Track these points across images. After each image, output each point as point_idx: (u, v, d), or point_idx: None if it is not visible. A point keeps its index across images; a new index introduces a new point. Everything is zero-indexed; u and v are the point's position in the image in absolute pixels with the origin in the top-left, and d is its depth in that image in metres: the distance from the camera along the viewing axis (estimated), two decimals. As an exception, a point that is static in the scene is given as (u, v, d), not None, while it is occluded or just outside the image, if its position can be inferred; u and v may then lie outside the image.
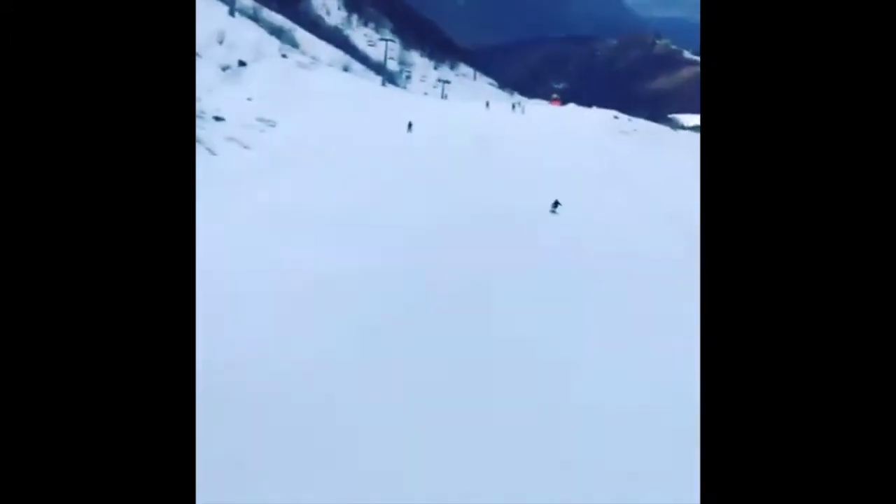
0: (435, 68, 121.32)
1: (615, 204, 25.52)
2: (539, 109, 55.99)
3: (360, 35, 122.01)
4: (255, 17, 61.15)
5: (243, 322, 11.90)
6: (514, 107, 54.78)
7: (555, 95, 64.45)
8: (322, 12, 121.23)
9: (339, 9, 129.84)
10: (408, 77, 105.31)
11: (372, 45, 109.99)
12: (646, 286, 15.89)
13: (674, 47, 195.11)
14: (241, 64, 44.76)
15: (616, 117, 52.36)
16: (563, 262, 17.51)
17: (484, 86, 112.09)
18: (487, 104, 54.97)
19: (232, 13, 54.07)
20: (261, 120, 34.69)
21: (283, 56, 51.76)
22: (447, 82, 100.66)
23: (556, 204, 24.00)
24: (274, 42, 54.70)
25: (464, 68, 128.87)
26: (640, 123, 52.89)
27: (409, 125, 39.64)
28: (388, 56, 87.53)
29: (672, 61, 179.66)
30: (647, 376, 10.98)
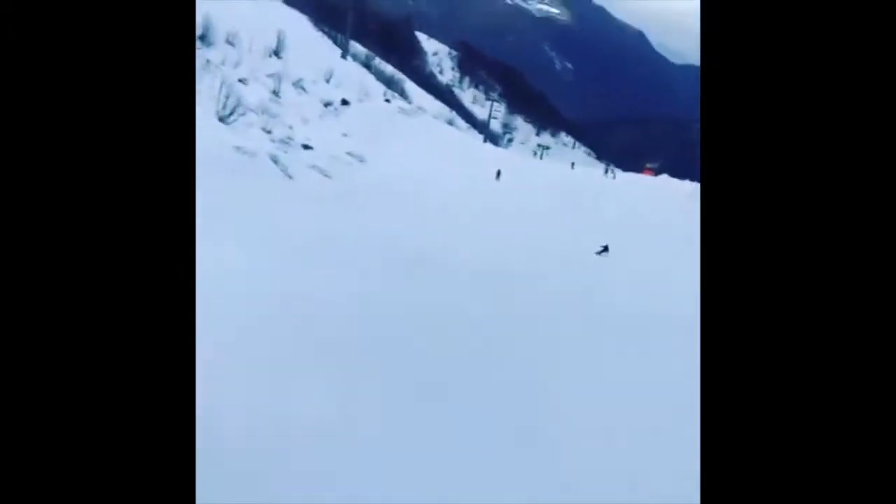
0: (537, 134, 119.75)
1: (683, 270, 22.79)
2: (631, 177, 53.46)
3: (469, 95, 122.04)
4: (366, 64, 60.78)
5: (283, 345, 10.38)
6: (606, 171, 52.67)
7: (648, 165, 61.37)
8: (435, 70, 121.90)
9: (452, 69, 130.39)
10: (510, 140, 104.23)
11: (477, 102, 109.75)
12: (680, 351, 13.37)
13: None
14: (344, 103, 43.91)
15: (710, 192, 49.07)
16: (611, 317, 15.40)
17: (581, 154, 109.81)
18: (573, 165, 53.74)
19: (344, 56, 53.78)
20: (350, 154, 33.30)
21: (387, 101, 50.84)
22: (547, 148, 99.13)
23: (605, 248, 22.95)
24: (381, 87, 54.01)
25: (564, 137, 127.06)
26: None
27: (498, 173, 38.13)
28: (492, 115, 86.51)
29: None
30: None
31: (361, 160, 33.14)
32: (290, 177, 24.03)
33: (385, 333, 11.98)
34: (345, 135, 37.11)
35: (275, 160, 24.48)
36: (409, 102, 58.50)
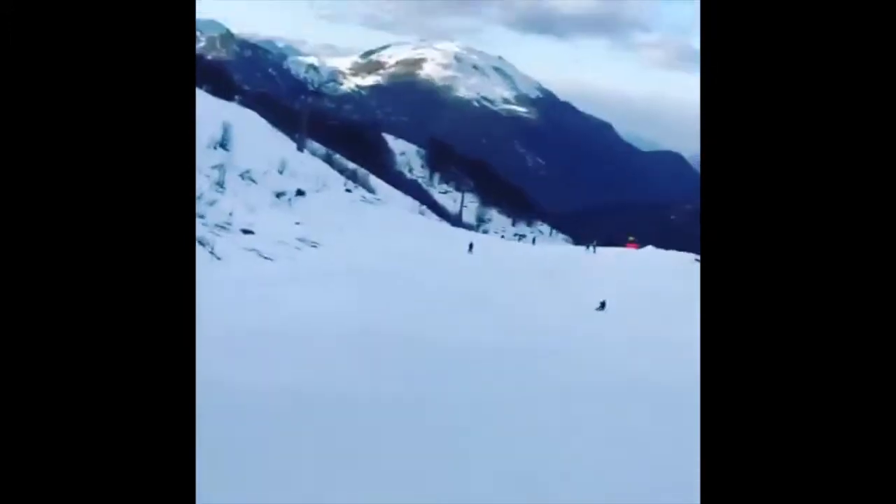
0: (513, 224, 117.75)
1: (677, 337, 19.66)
2: (613, 251, 50.47)
3: (440, 190, 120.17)
4: (327, 159, 58.22)
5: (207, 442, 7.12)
6: (587, 247, 49.67)
7: (631, 238, 58.51)
8: (404, 168, 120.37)
9: (421, 167, 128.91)
10: (484, 232, 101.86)
11: (445, 192, 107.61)
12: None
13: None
14: (300, 193, 40.96)
15: (697, 260, 46.13)
16: (594, 391, 12.47)
17: (559, 242, 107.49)
18: (534, 240, 51.30)
19: (300, 149, 51.19)
20: (302, 240, 30.08)
21: (348, 190, 48.02)
22: (523, 236, 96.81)
23: (602, 305, 22.66)
24: (342, 179, 51.22)
25: (541, 226, 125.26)
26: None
27: (470, 246, 35.33)
28: (464, 205, 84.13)
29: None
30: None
31: (314, 245, 29.93)
32: (218, 258, 20.60)
33: (340, 424, 8.89)
34: (298, 223, 33.97)
35: (201, 242, 21.09)
36: (374, 193, 55.78)
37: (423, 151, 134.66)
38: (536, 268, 31.69)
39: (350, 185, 50.56)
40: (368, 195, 50.61)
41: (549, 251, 43.15)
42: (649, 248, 50.02)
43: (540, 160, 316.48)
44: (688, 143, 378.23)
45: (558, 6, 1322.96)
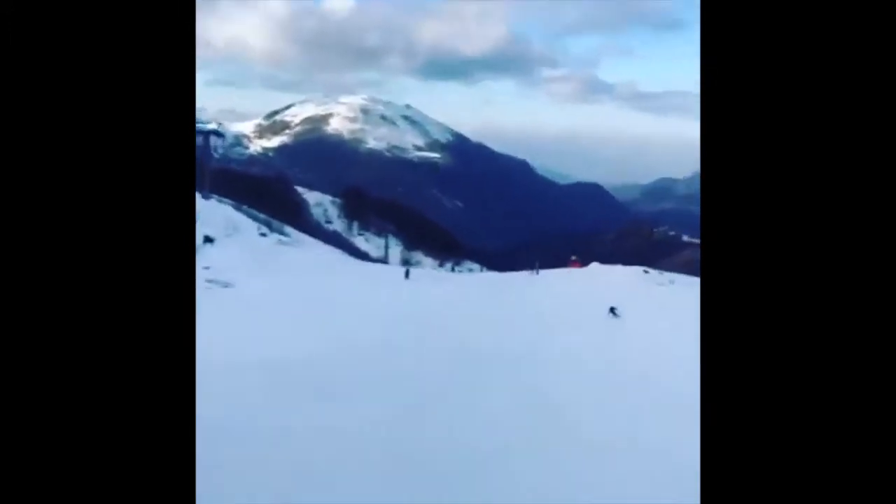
0: (440, 265, 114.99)
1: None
2: (558, 272, 47.91)
3: (361, 239, 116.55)
4: (237, 209, 54.11)
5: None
6: (531, 270, 47.09)
7: (574, 258, 56.17)
8: (321, 220, 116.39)
9: (339, 217, 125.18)
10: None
11: (371, 244, 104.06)
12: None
13: (672, 233, 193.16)
14: (208, 240, 37.04)
15: (647, 272, 44.11)
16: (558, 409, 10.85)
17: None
18: (452, 268, 48.61)
19: (206, 197, 47.06)
20: (212, 281, 26.27)
21: (262, 234, 44.16)
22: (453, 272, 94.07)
23: (612, 310, 21.94)
24: (254, 225, 47.33)
25: (469, 264, 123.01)
26: (676, 276, 44.36)
27: (407, 272, 32.26)
28: (388, 247, 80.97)
29: (672, 245, 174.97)
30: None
31: (226, 286, 26.15)
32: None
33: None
34: (206, 267, 30.14)
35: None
36: (291, 238, 51.93)
37: (338, 201, 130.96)
38: (485, 289, 28.57)
39: (265, 229, 46.67)
40: (286, 238, 46.80)
41: (493, 277, 40.32)
42: (594, 264, 47.69)
43: (458, 202, 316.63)
44: (603, 173, 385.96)
45: (461, 50, 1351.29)
